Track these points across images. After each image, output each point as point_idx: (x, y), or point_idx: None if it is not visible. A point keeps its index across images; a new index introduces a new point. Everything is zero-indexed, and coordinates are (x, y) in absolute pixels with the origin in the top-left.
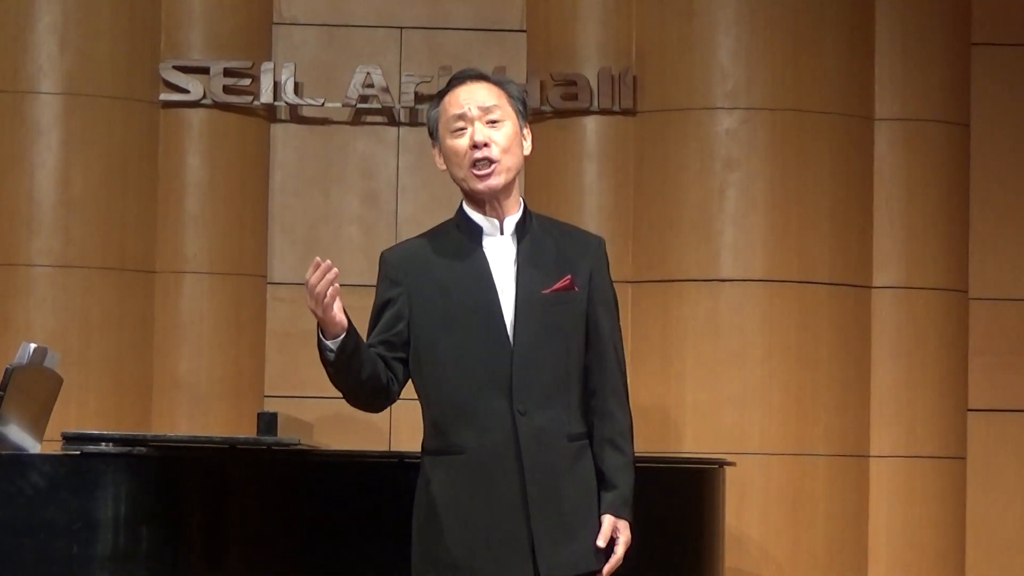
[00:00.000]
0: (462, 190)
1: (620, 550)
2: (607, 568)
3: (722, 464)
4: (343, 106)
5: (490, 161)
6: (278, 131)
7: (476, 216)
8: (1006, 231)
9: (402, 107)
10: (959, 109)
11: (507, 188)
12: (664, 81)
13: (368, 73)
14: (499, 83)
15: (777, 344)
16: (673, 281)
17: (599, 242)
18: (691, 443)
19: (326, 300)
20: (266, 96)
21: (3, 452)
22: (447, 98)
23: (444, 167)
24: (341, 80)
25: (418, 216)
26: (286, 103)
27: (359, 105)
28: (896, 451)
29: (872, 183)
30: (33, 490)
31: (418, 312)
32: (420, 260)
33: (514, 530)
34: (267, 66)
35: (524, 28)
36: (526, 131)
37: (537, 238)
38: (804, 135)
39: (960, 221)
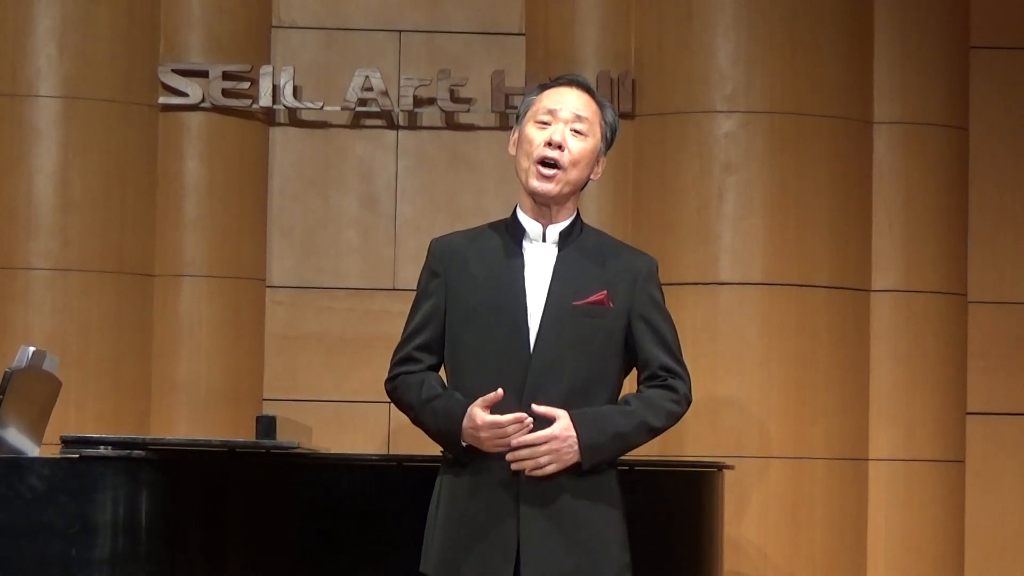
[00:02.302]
0: (521, 186)
1: (542, 434)
2: (528, 437)
3: (721, 467)
4: (342, 109)
5: (556, 166)
6: (277, 134)
7: (524, 219)
8: (1005, 234)
9: (401, 110)
10: (958, 113)
11: (559, 198)
12: (663, 84)
13: (367, 76)
14: (600, 104)
15: (776, 347)
16: (671, 284)
17: (649, 264)
18: (690, 446)
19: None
20: (265, 99)
21: (1, 455)
22: (549, 91)
23: (514, 152)
24: (340, 83)
25: (417, 219)
26: (285, 106)
27: (358, 108)
28: (895, 454)
29: (871, 187)
30: (32, 493)
31: (451, 304)
32: (462, 253)
33: (504, 533)
34: (266, 69)
35: (523, 32)
36: (602, 159)
37: (582, 250)
38: (803, 138)
39: (959, 224)
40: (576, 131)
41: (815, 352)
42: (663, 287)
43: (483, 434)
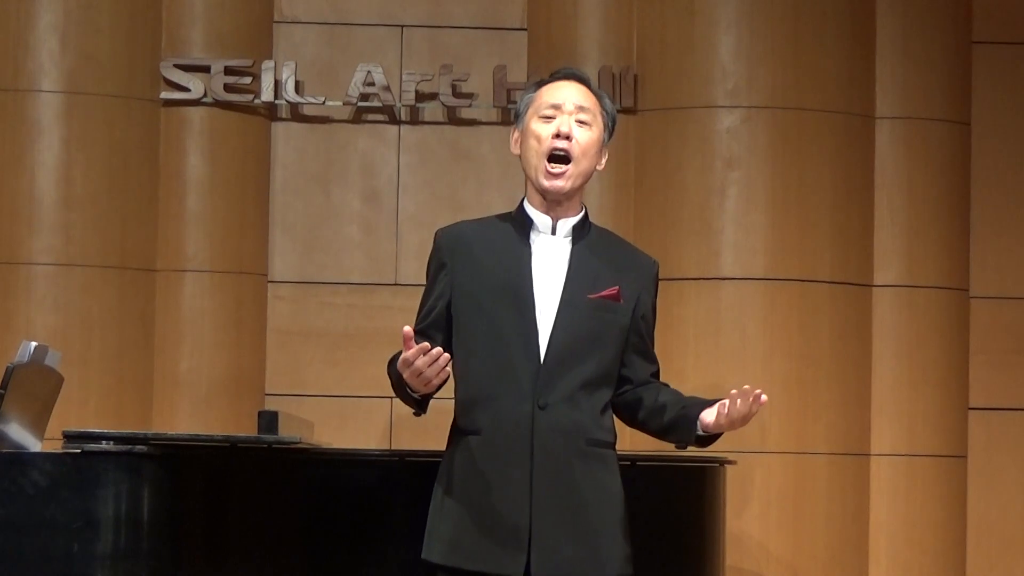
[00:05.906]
0: (528, 180)
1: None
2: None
3: (722, 462)
4: (344, 104)
5: (567, 159)
6: (279, 129)
7: (532, 211)
8: (1007, 229)
9: (403, 105)
10: (960, 107)
11: (571, 192)
12: (665, 79)
13: (369, 71)
14: (597, 94)
15: (778, 342)
16: (673, 279)
17: (653, 264)
18: None
19: (434, 382)
20: (267, 94)
21: (4, 451)
22: (548, 86)
23: (518, 151)
24: (342, 78)
25: (419, 215)
26: (287, 101)
27: (360, 103)
28: (897, 449)
29: (873, 181)
30: (34, 489)
31: (457, 293)
32: (467, 243)
33: (515, 521)
34: (268, 64)
35: (525, 27)
36: (605, 149)
37: (593, 245)
38: (805, 133)
39: (961, 219)
40: (581, 121)
41: (817, 347)
42: (664, 282)
43: (414, 383)
